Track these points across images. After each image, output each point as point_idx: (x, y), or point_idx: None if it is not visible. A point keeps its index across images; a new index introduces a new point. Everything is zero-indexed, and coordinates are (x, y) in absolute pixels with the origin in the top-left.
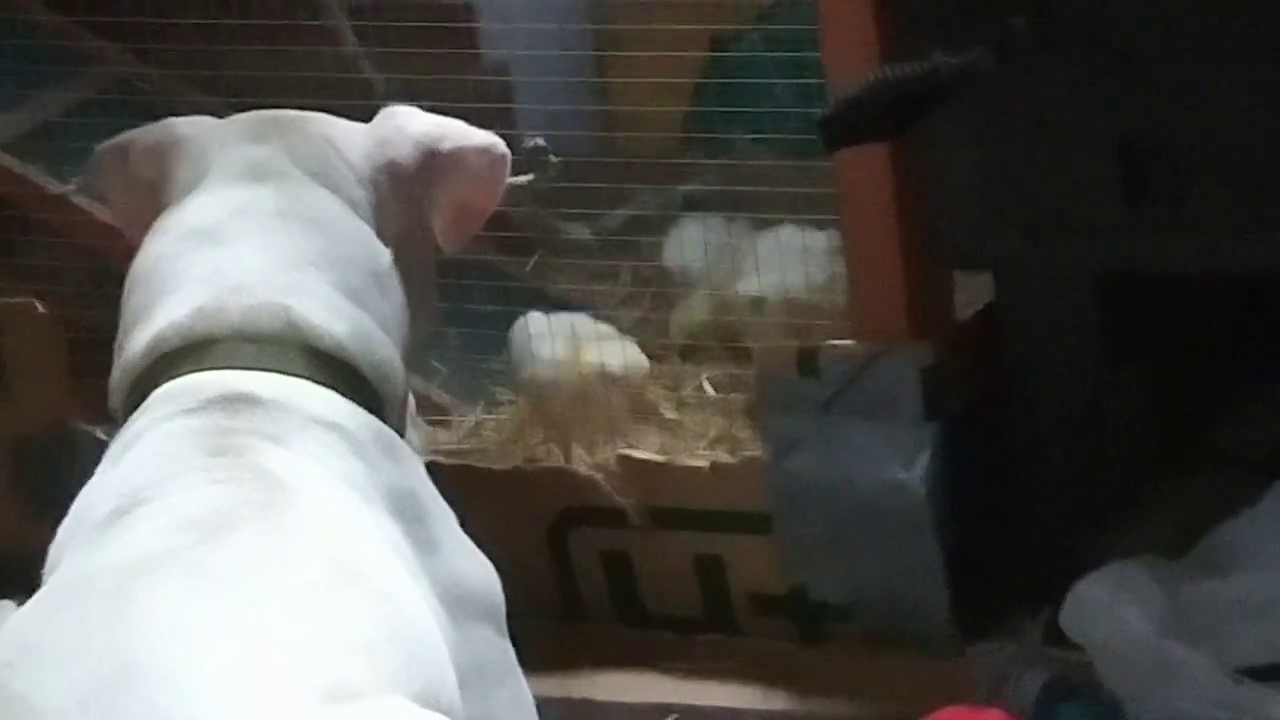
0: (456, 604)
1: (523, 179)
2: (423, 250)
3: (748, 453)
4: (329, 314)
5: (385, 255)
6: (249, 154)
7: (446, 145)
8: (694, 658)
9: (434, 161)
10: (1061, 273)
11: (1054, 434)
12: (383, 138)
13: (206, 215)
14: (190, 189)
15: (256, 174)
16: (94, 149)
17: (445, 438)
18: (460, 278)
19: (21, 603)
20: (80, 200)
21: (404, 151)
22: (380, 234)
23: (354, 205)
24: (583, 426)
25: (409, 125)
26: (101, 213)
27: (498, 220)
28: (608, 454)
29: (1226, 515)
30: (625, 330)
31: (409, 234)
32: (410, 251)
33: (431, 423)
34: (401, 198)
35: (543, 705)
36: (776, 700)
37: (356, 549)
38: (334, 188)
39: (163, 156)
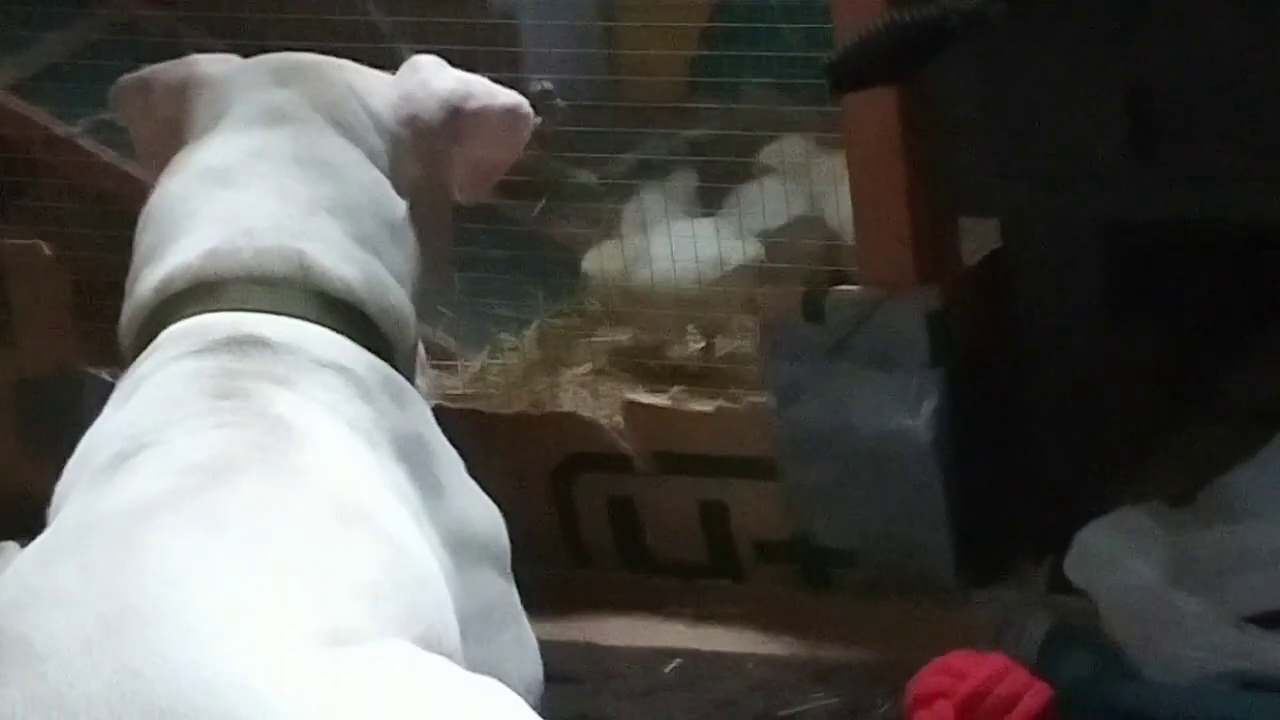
0: (461, 548)
1: None
2: (439, 203)
3: (753, 398)
4: (341, 259)
5: (400, 206)
6: (270, 97)
7: (472, 104)
8: (698, 603)
9: (458, 120)
10: (1068, 222)
11: (1060, 382)
12: (407, 92)
13: (222, 156)
14: (209, 129)
15: (276, 117)
16: (104, 89)
17: (450, 382)
18: (466, 222)
19: (25, 545)
20: (87, 143)
21: (428, 107)
22: (396, 185)
23: (372, 155)
24: None
25: (434, 81)
26: (108, 155)
27: None
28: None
29: (1232, 463)
30: None
31: (426, 187)
32: (426, 204)
33: (436, 367)
34: (421, 151)
35: (546, 649)
36: (780, 646)
37: (361, 493)
38: (353, 136)
39: (184, 94)
